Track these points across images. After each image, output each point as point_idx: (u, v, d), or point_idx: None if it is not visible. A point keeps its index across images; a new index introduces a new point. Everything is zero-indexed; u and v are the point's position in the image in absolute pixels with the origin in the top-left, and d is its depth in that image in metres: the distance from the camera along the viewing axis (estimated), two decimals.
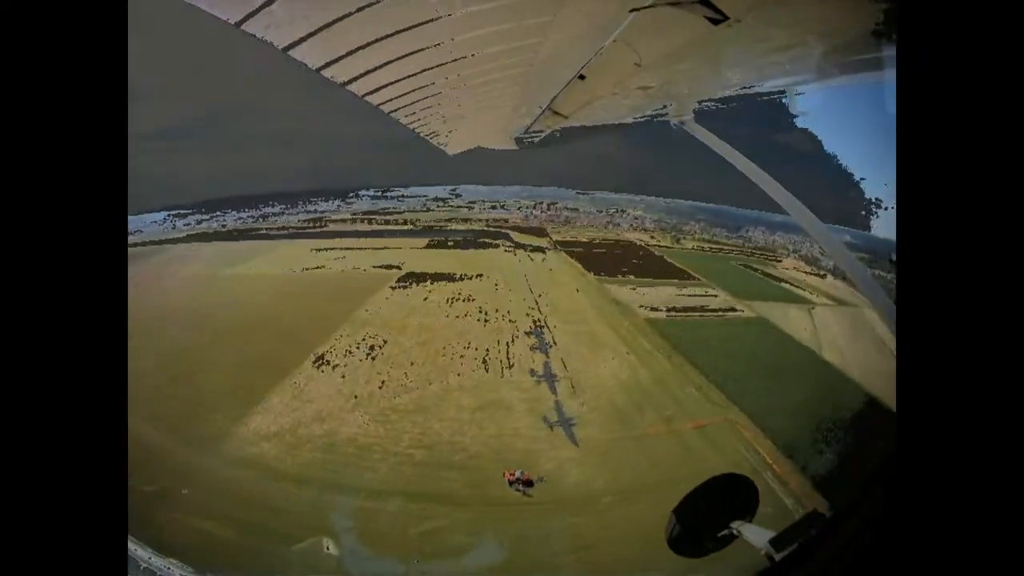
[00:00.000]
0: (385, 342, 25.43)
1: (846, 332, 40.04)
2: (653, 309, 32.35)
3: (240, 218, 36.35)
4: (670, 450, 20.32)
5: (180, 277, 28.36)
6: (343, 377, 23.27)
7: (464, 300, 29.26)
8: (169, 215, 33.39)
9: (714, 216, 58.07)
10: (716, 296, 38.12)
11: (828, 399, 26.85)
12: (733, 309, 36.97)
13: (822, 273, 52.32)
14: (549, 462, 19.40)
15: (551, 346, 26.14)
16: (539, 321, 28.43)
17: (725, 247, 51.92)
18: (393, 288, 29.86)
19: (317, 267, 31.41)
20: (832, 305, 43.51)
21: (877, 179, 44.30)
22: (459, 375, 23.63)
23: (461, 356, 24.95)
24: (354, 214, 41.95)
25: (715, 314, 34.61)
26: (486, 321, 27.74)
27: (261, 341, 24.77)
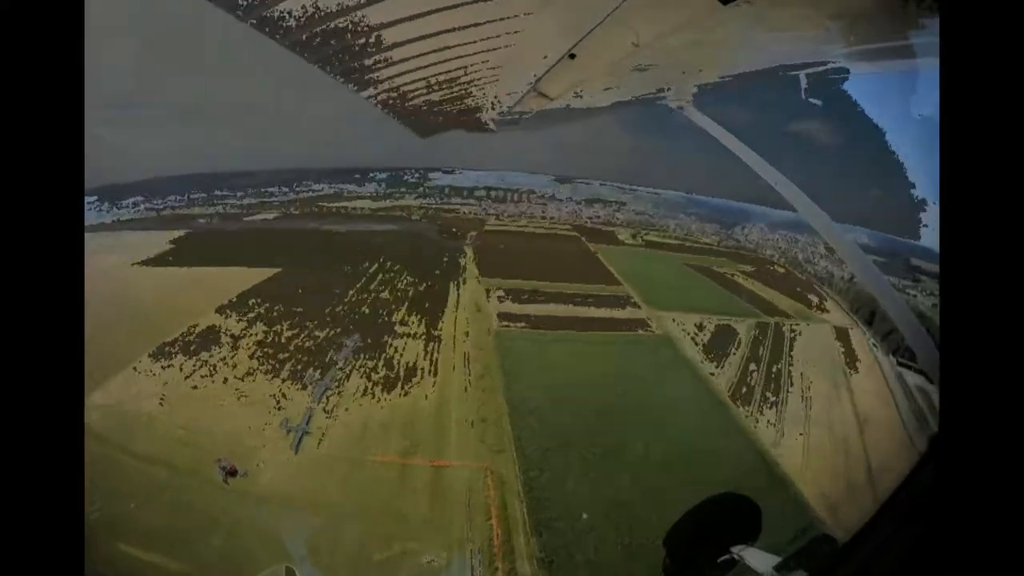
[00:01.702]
0: (219, 336, 26.64)
1: (799, 360, 33.58)
2: (511, 319, 29.70)
3: (181, 201, 37.97)
4: (377, 482, 19.18)
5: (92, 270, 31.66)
6: (166, 367, 25.01)
7: (316, 299, 29.28)
8: (100, 199, 34.72)
9: (709, 210, 50.90)
10: (625, 307, 33.84)
11: (690, 463, 22.04)
12: (642, 322, 32.67)
13: (804, 278, 43.78)
14: (260, 461, 20.03)
15: (354, 354, 25.46)
16: (372, 325, 27.71)
17: (693, 246, 45.32)
18: (265, 282, 30.61)
19: (213, 261, 32.72)
20: (796, 322, 36.55)
21: (900, 175, 36.57)
22: (253, 373, 24.18)
23: (273, 354, 25.39)
24: (297, 199, 42.77)
25: (602, 330, 30.83)
26: (326, 323, 27.62)
27: (126, 332, 26.86)
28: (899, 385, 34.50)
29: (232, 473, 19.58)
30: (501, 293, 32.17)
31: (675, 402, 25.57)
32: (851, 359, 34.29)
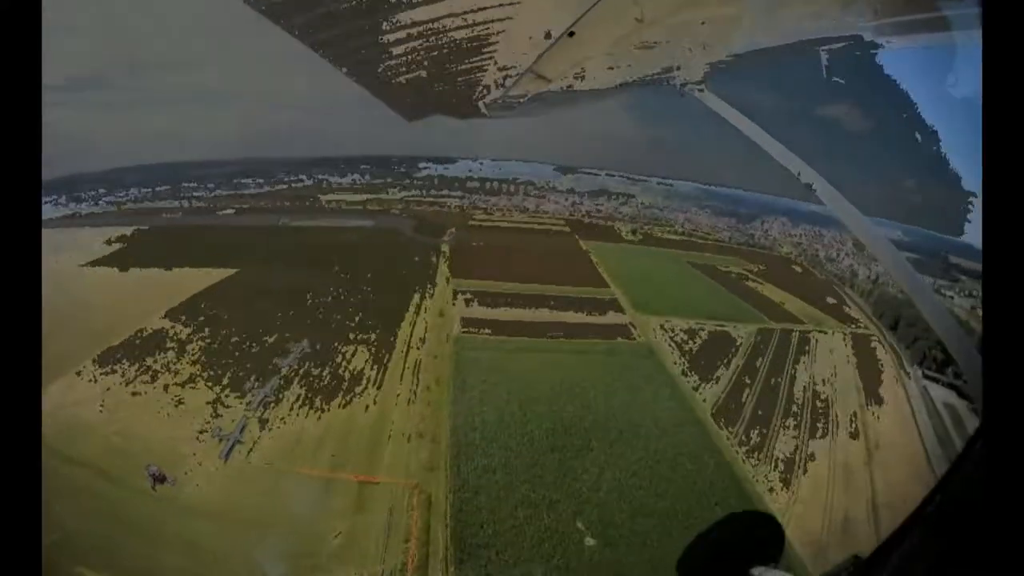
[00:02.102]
0: (165, 341, 27.50)
1: (804, 372, 32.23)
2: (475, 324, 29.58)
3: (146, 193, 38.81)
4: (300, 496, 19.68)
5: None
6: (110, 373, 26.05)
7: (270, 302, 29.89)
8: (57, 191, 35.11)
9: (726, 203, 49.61)
10: (606, 312, 33.23)
11: (651, 492, 21.31)
12: (624, 329, 32.07)
13: (823, 278, 41.97)
14: (189, 468, 20.88)
15: (299, 361, 25.94)
16: (324, 330, 28.14)
17: (700, 242, 44.09)
18: (219, 284, 31.33)
19: (169, 261, 33.01)
20: (807, 329, 35.11)
21: (938, 165, 34.91)
22: (194, 380, 24.97)
23: (217, 360, 26.09)
24: (272, 191, 43.57)
25: (578, 337, 30.32)
26: (276, 328, 28.19)
27: (73, 336, 27.82)
28: (923, 402, 32.71)
29: (160, 480, 20.48)
30: (469, 295, 32.13)
31: (645, 420, 24.84)
32: (866, 371, 32.71)
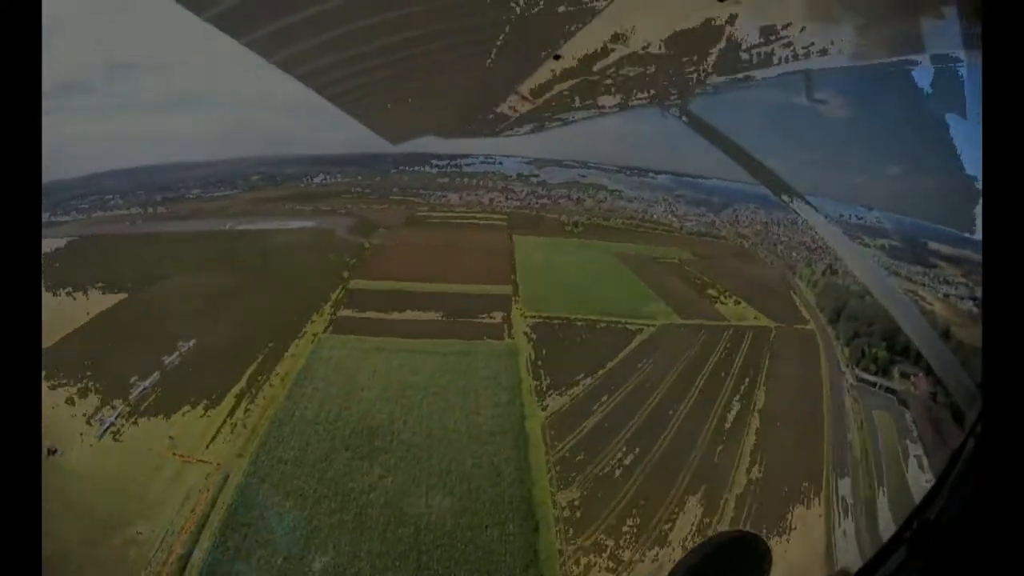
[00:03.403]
0: (86, 342, 33.61)
1: (693, 377, 31.34)
2: (343, 324, 32.74)
3: (115, 201, 45.17)
4: (139, 468, 24.91)
5: None
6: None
7: (181, 309, 35.24)
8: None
9: (700, 192, 47.49)
10: (490, 312, 34.62)
11: (429, 504, 22.48)
12: (496, 329, 33.45)
13: (772, 265, 38.79)
14: (73, 445, 26.56)
15: (181, 358, 31.21)
16: (212, 330, 33.19)
17: (647, 232, 42.80)
18: (136, 295, 36.88)
19: (104, 272, 36.87)
20: (724, 325, 33.73)
21: (924, 153, 32.55)
22: (97, 374, 31.25)
23: (118, 359, 31.77)
24: (244, 195, 49.41)
25: (444, 336, 32.35)
26: (174, 329, 33.60)
27: None
28: (851, 412, 29.59)
29: (52, 452, 26.89)
30: (355, 295, 35.43)
31: (460, 427, 26.57)
32: (783, 375, 30.60)
